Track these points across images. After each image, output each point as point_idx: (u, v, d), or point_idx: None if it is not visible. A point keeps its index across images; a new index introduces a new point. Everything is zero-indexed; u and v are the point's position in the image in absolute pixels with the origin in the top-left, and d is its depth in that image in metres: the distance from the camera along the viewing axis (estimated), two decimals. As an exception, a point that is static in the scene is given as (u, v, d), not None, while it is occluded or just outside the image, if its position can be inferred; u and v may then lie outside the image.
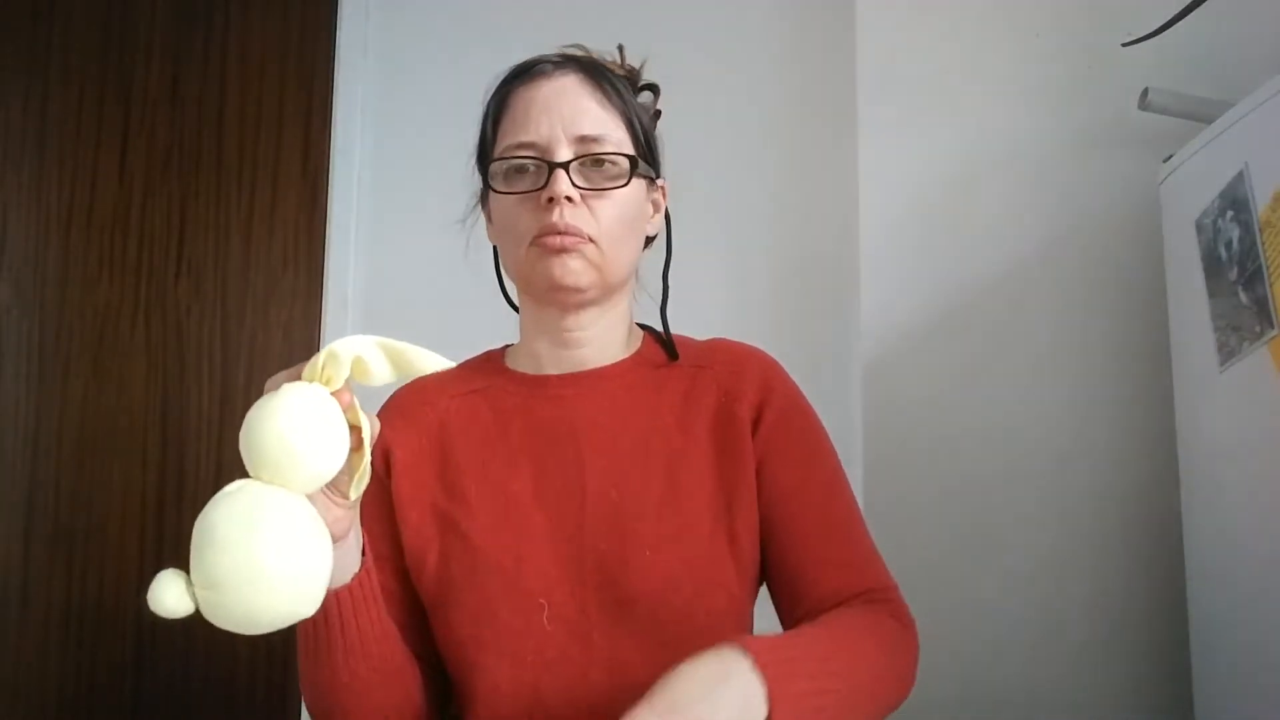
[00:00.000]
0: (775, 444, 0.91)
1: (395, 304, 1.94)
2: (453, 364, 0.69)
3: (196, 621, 0.61)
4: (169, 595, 0.60)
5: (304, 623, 0.69)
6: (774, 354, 1.01)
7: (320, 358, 0.64)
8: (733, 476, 0.89)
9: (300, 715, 1.80)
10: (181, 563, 0.62)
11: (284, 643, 1.88)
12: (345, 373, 0.65)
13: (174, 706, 1.86)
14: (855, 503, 0.93)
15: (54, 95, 2.04)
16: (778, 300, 1.76)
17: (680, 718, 0.65)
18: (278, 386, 0.65)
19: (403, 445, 0.90)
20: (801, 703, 0.69)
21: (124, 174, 2.02)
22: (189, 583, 0.61)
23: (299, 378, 0.66)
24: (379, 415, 0.95)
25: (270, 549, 0.61)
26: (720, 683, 0.68)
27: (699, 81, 1.82)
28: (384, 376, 0.66)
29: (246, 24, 2.05)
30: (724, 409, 0.91)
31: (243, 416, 0.63)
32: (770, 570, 0.90)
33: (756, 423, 0.91)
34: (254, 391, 0.65)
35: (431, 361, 0.67)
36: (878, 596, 0.87)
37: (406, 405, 0.93)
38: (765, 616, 0.94)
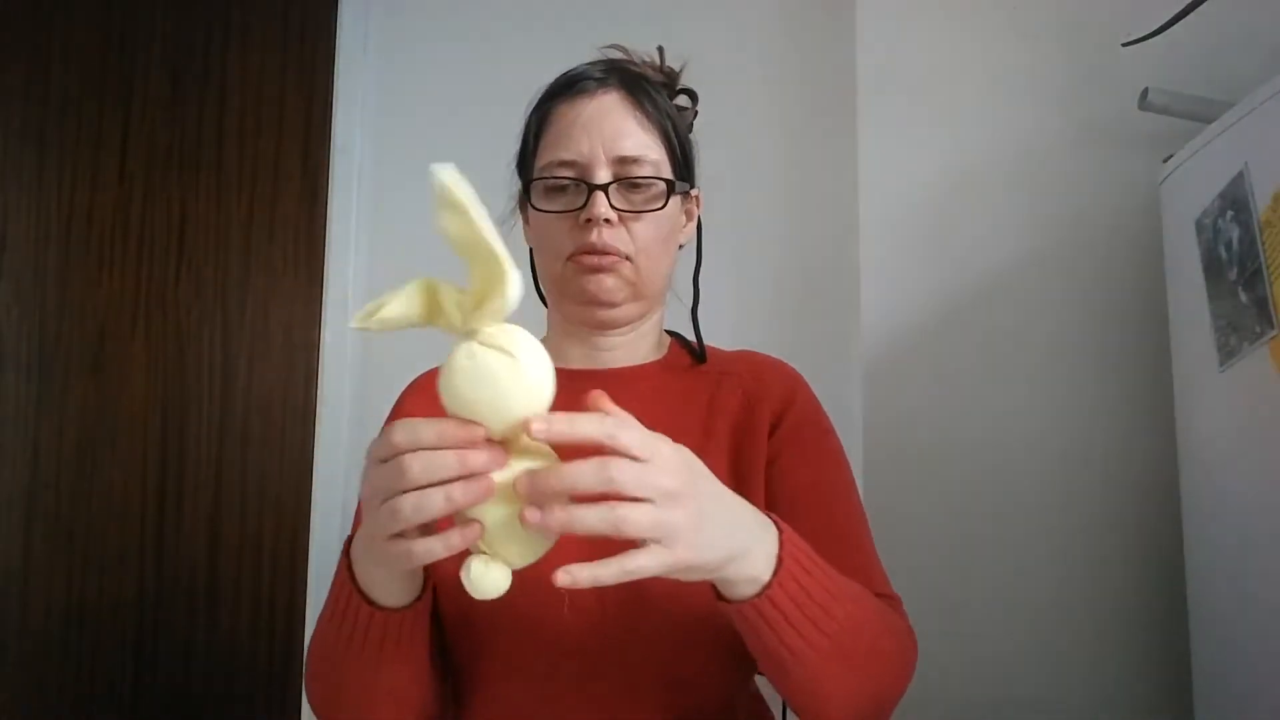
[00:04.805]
0: (789, 445, 0.91)
1: (395, 304, 1.93)
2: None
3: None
4: (497, 578, 0.63)
5: (370, 621, 0.72)
6: (773, 353, 1.01)
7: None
8: (747, 476, 0.89)
9: (300, 715, 1.80)
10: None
11: (284, 642, 1.89)
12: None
13: (174, 706, 1.86)
14: (864, 516, 0.93)
15: (54, 95, 2.04)
16: (778, 300, 1.76)
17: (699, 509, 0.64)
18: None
19: None
20: (800, 596, 0.69)
21: (124, 174, 2.02)
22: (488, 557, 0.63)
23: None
24: (405, 396, 0.95)
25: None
26: (748, 522, 0.68)
27: (698, 81, 1.82)
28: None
29: (247, 24, 2.05)
30: (746, 411, 0.93)
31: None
32: None
33: (775, 426, 0.92)
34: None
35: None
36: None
37: (433, 388, 0.93)
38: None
